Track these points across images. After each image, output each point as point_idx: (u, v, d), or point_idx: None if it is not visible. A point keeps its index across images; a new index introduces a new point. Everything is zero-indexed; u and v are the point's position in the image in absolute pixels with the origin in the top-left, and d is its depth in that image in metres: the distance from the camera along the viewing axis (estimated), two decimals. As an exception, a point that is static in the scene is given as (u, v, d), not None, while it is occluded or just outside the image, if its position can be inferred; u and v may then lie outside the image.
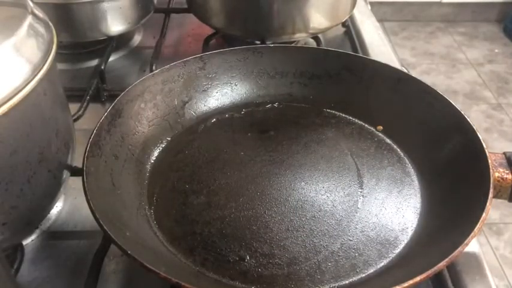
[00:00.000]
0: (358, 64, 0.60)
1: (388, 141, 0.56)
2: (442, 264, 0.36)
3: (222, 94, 0.61)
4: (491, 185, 0.42)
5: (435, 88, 0.53)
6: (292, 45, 0.68)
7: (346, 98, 0.60)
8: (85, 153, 0.44)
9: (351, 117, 0.59)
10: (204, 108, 0.60)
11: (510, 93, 2.26)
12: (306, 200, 0.49)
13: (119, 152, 0.49)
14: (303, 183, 0.51)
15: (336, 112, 0.60)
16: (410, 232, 0.45)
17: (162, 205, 0.48)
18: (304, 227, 0.46)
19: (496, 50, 2.57)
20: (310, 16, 0.70)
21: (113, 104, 0.50)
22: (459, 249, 0.37)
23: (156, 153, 0.54)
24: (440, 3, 2.73)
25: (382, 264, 0.43)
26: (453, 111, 0.50)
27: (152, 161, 0.53)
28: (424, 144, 0.52)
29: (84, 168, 0.43)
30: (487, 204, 0.40)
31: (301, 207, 0.48)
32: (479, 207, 0.40)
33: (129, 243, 0.38)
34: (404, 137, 0.55)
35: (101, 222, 0.38)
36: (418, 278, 0.35)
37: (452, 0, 2.72)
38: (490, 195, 0.41)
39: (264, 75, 0.62)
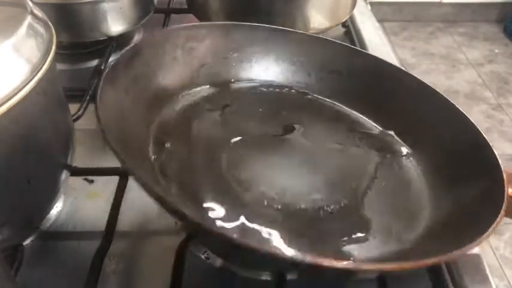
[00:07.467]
0: (386, 71, 0.58)
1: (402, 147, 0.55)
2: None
3: (241, 67, 0.59)
4: (504, 202, 0.39)
5: (435, 88, 0.53)
6: (320, 36, 0.65)
7: (362, 98, 0.58)
8: (100, 81, 0.41)
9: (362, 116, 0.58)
10: (221, 76, 0.58)
11: (510, 94, 2.26)
12: (306, 200, 0.49)
13: (131, 90, 0.47)
14: (303, 181, 0.51)
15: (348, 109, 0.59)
16: (413, 235, 0.45)
17: (166, 162, 0.46)
18: (304, 228, 0.46)
19: (496, 50, 2.58)
20: (310, 16, 0.70)
21: (133, 44, 0.49)
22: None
23: (164, 110, 0.51)
24: (440, 4, 2.73)
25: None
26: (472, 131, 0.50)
27: (159, 118, 0.50)
28: (439, 160, 0.51)
29: (99, 93, 0.40)
30: (498, 218, 0.38)
31: (301, 207, 0.48)
32: (488, 223, 0.37)
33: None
34: (419, 145, 0.53)
35: (116, 149, 0.35)
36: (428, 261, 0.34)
37: (452, 1, 2.73)
38: (502, 212, 0.39)
39: (286, 60, 0.60)
